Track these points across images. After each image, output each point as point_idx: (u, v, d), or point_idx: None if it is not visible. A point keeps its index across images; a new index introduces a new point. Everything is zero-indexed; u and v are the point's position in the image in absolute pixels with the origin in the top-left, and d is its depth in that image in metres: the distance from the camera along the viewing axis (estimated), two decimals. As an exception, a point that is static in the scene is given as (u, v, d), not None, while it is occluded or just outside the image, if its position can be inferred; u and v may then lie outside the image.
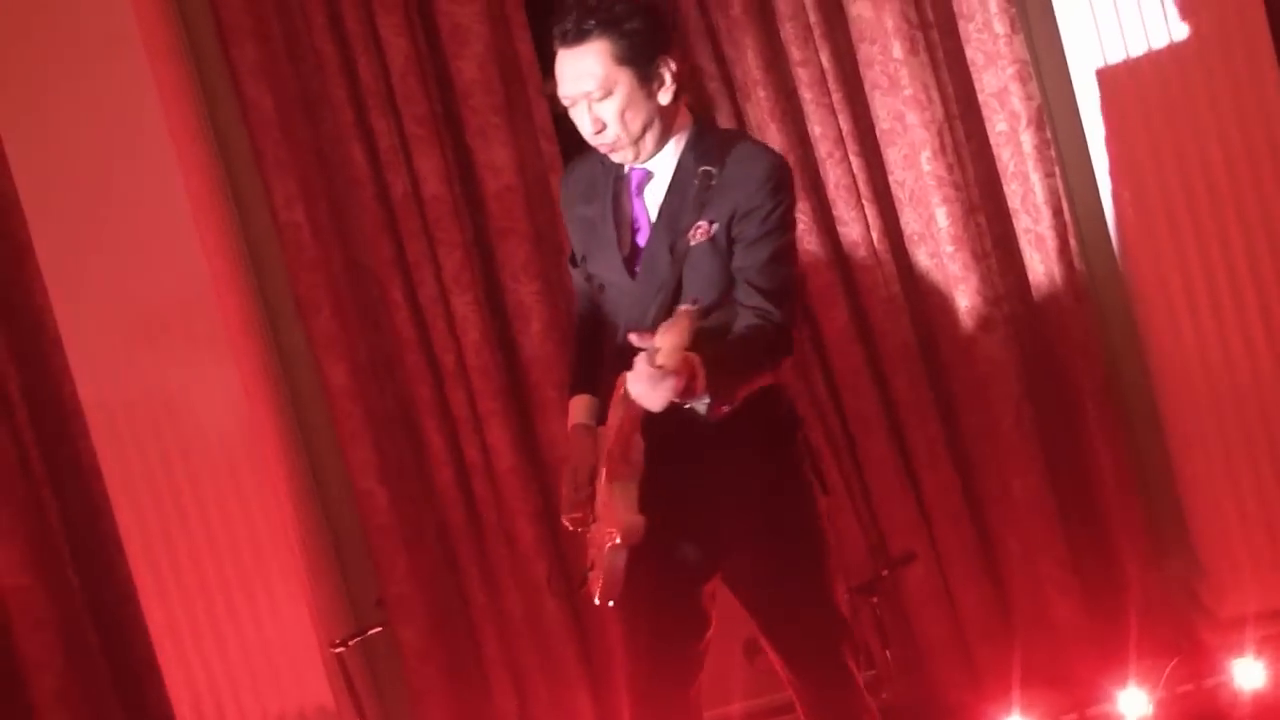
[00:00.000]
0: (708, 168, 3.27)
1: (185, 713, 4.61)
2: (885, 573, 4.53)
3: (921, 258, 4.65)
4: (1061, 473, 4.72)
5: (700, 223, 3.26)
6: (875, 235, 4.65)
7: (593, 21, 3.20)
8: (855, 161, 4.63)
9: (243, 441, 4.57)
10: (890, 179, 4.64)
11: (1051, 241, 4.59)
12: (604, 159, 3.41)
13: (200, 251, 4.54)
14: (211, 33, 4.74)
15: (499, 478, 4.72)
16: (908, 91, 4.55)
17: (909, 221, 4.64)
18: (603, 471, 3.29)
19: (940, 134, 4.57)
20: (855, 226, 4.64)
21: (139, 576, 4.61)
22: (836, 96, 4.61)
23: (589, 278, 3.51)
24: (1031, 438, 4.66)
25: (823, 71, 4.60)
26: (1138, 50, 4.41)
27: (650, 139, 3.31)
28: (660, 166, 3.36)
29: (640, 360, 2.99)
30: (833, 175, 4.63)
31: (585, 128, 3.30)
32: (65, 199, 4.52)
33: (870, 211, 4.64)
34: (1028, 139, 4.57)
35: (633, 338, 3.04)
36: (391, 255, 4.72)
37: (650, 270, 3.33)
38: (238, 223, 4.87)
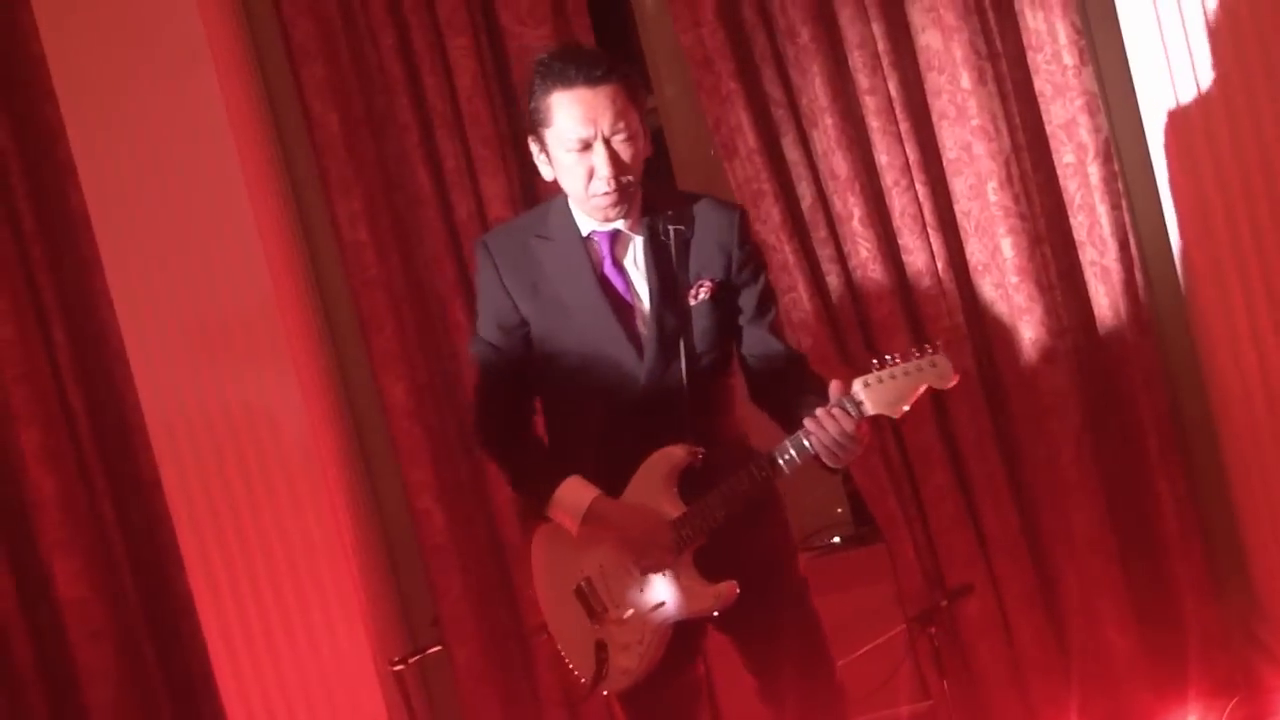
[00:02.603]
0: (678, 227, 3.36)
1: (240, 727, 4.63)
2: (943, 603, 4.50)
3: (986, 288, 4.64)
4: (1121, 507, 4.69)
5: (703, 281, 3.39)
6: (940, 265, 4.63)
7: (604, 66, 3.28)
8: (921, 190, 4.62)
9: (302, 458, 4.59)
10: (956, 209, 4.63)
11: (1117, 274, 4.57)
12: (534, 234, 3.46)
13: (264, 268, 4.57)
14: (281, 52, 4.78)
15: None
16: (975, 121, 4.54)
17: (974, 251, 4.63)
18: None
19: (1007, 164, 4.56)
20: (920, 255, 4.63)
21: (197, 590, 4.64)
22: (904, 125, 4.60)
23: (545, 355, 3.48)
24: (1092, 471, 4.63)
25: (890, 100, 4.60)
26: (1206, 83, 4.38)
27: (635, 194, 3.38)
28: (629, 228, 3.41)
29: (841, 418, 3.20)
30: (898, 204, 4.62)
31: (603, 169, 3.29)
32: (132, 214, 4.57)
33: (935, 241, 4.63)
34: (1095, 171, 4.55)
35: (834, 389, 3.24)
36: (454, 276, 4.74)
37: (660, 336, 3.37)
38: (302, 240, 4.90)
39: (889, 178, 4.62)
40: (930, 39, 4.56)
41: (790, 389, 3.41)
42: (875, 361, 3.27)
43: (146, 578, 4.83)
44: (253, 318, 4.57)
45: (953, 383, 3.27)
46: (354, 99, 4.78)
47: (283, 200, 4.84)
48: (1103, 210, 4.56)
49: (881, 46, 4.58)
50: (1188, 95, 4.38)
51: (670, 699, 3.51)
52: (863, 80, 4.60)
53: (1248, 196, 4.37)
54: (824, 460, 3.28)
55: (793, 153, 4.65)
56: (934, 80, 4.58)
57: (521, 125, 4.65)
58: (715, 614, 3.38)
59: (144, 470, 4.76)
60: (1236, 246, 4.39)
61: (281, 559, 4.62)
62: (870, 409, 3.25)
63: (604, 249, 3.41)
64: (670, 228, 3.36)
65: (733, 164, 4.65)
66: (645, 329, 3.38)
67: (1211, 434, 4.67)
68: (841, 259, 4.66)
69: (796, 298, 4.62)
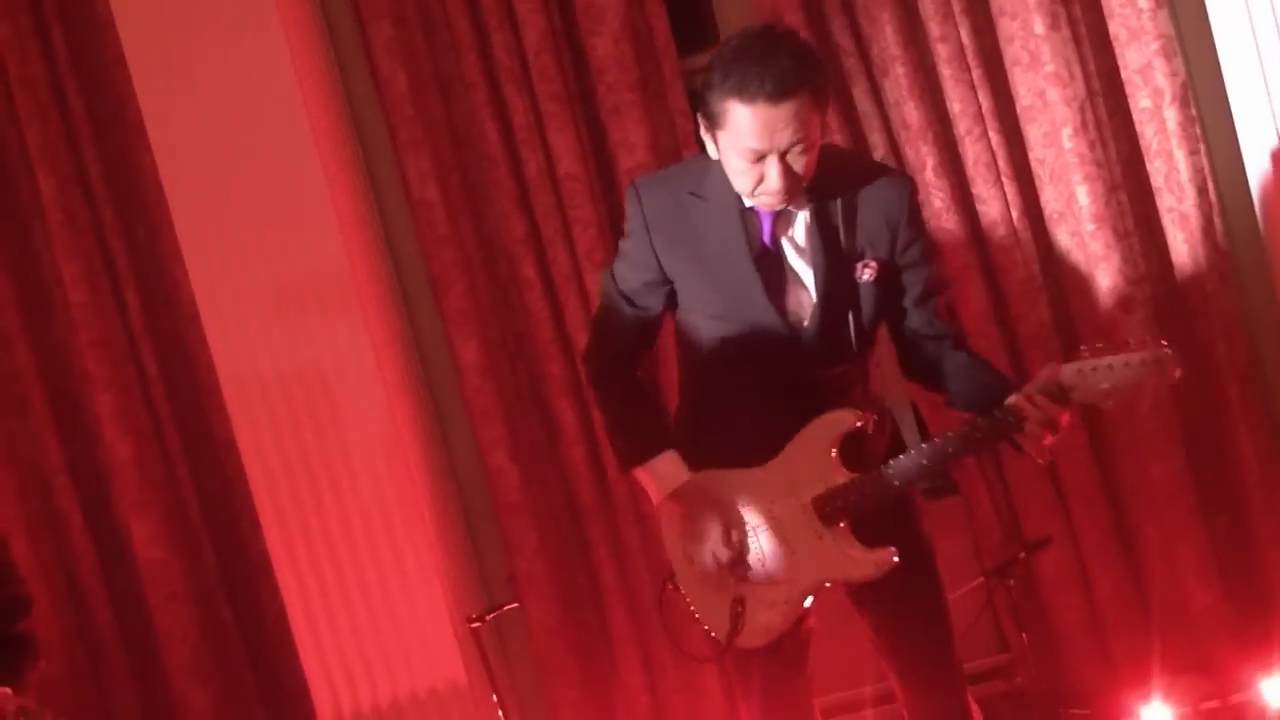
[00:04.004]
0: (846, 200, 3.25)
1: (319, 686, 4.66)
2: (1021, 556, 4.47)
3: (1062, 237, 4.58)
4: (1202, 458, 4.63)
5: (869, 261, 3.28)
6: (1015, 214, 4.58)
7: (801, 72, 3.08)
8: (995, 139, 4.56)
9: (376, 417, 4.60)
10: (1030, 157, 4.57)
11: (1195, 221, 4.50)
12: (689, 190, 3.32)
13: (335, 228, 4.57)
14: (348, 10, 4.77)
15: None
16: (1049, 68, 4.48)
17: (1049, 200, 4.57)
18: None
19: (1082, 111, 4.50)
20: (994, 205, 4.58)
21: (274, 551, 4.66)
22: (976, 73, 4.55)
23: (687, 316, 3.41)
24: (1171, 422, 4.58)
25: (962, 47, 4.54)
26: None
27: None
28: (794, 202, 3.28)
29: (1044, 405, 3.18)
30: (971, 153, 4.57)
31: (774, 183, 3.15)
32: (203, 176, 4.58)
33: (1010, 189, 4.57)
34: (1171, 116, 4.48)
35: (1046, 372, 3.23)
36: (525, 232, 4.73)
37: (824, 314, 3.28)
38: (372, 200, 4.89)
39: (961, 126, 4.57)
40: (1002, -16, 4.50)
41: (969, 371, 3.36)
42: (1084, 348, 3.21)
43: (223, 538, 4.87)
44: (324, 278, 4.57)
45: (1176, 378, 3.18)
46: (422, 57, 4.76)
47: (352, 160, 4.84)
48: (1180, 156, 4.49)
49: (953, -8, 4.53)
50: (1267, 36, 4.31)
51: (801, 678, 3.51)
52: (934, 28, 4.54)
53: (1330, 139, 4.31)
54: (1026, 446, 3.22)
55: (864, 103, 4.61)
56: (1006, 26, 4.52)
57: (589, 83, 4.69)
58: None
59: (218, 431, 4.80)
60: (1318, 190, 4.33)
61: (357, 518, 4.63)
62: (1079, 397, 3.19)
63: (765, 224, 3.28)
64: (838, 203, 3.24)
65: (803, 115, 4.60)
66: (799, 307, 3.30)
67: (1293, 383, 4.61)
68: (915, 209, 4.61)
69: (870, 250, 4.58)
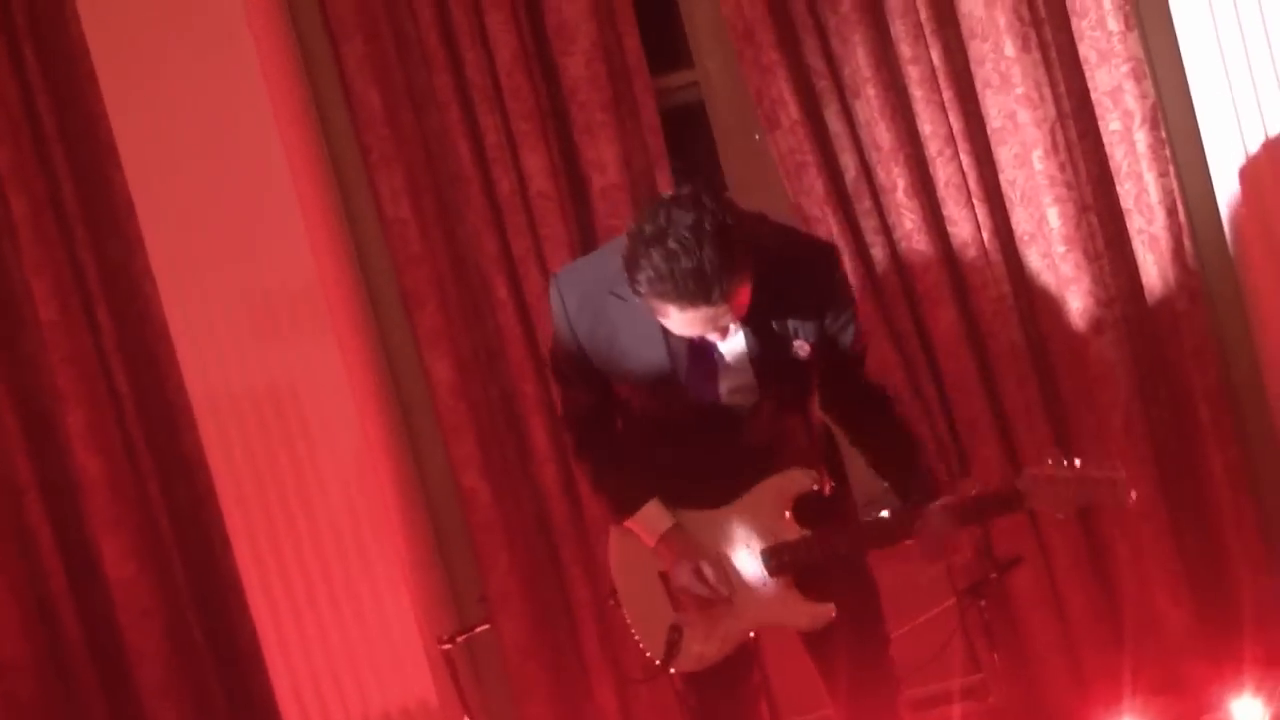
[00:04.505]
0: (772, 280, 3.25)
1: (288, 705, 4.65)
2: (993, 576, 4.47)
3: (1033, 258, 4.60)
4: (1173, 477, 4.65)
5: (802, 342, 3.34)
6: (986, 235, 4.59)
7: (723, 282, 3.11)
8: (966, 160, 4.57)
9: (348, 435, 4.60)
10: (1001, 178, 4.59)
11: (1165, 242, 4.52)
12: (610, 290, 3.33)
13: (307, 246, 4.58)
14: (320, 28, 4.76)
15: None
16: (1020, 90, 4.50)
17: (1020, 221, 4.58)
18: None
19: (1052, 132, 4.51)
20: (965, 226, 4.59)
21: (244, 568, 4.65)
22: (947, 94, 4.56)
23: (633, 391, 3.50)
24: (1143, 441, 4.59)
25: (933, 69, 4.56)
26: (1254, 46, 4.33)
27: None
28: None
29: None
30: (943, 174, 4.58)
31: (712, 339, 3.28)
32: (174, 194, 4.57)
33: (981, 211, 4.59)
34: (1142, 137, 4.50)
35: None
36: (497, 251, 4.73)
37: (766, 392, 3.41)
38: (344, 217, 4.88)
39: (933, 148, 4.58)
40: (973, 6, 4.51)
41: (881, 431, 3.54)
42: (1049, 460, 3.28)
43: (194, 556, 4.84)
44: (296, 296, 4.57)
45: (1131, 502, 3.26)
46: (394, 75, 4.76)
47: (324, 178, 4.83)
48: (1150, 178, 4.51)
49: (924, 15, 4.53)
50: (1235, 59, 4.34)
51: (740, 694, 3.64)
52: (905, 49, 4.55)
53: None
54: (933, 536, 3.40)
55: (836, 124, 4.61)
56: (977, 48, 4.54)
57: (561, 102, 4.70)
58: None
59: (189, 450, 4.77)
60: (1287, 211, 4.36)
61: (328, 537, 4.62)
62: (1031, 504, 3.30)
63: None
64: (764, 288, 3.23)
65: (775, 136, 4.61)
66: (735, 390, 3.40)
67: (1263, 402, 4.62)
68: (886, 230, 4.63)
69: (841, 270, 4.59)
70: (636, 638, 3.59)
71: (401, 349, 4.88)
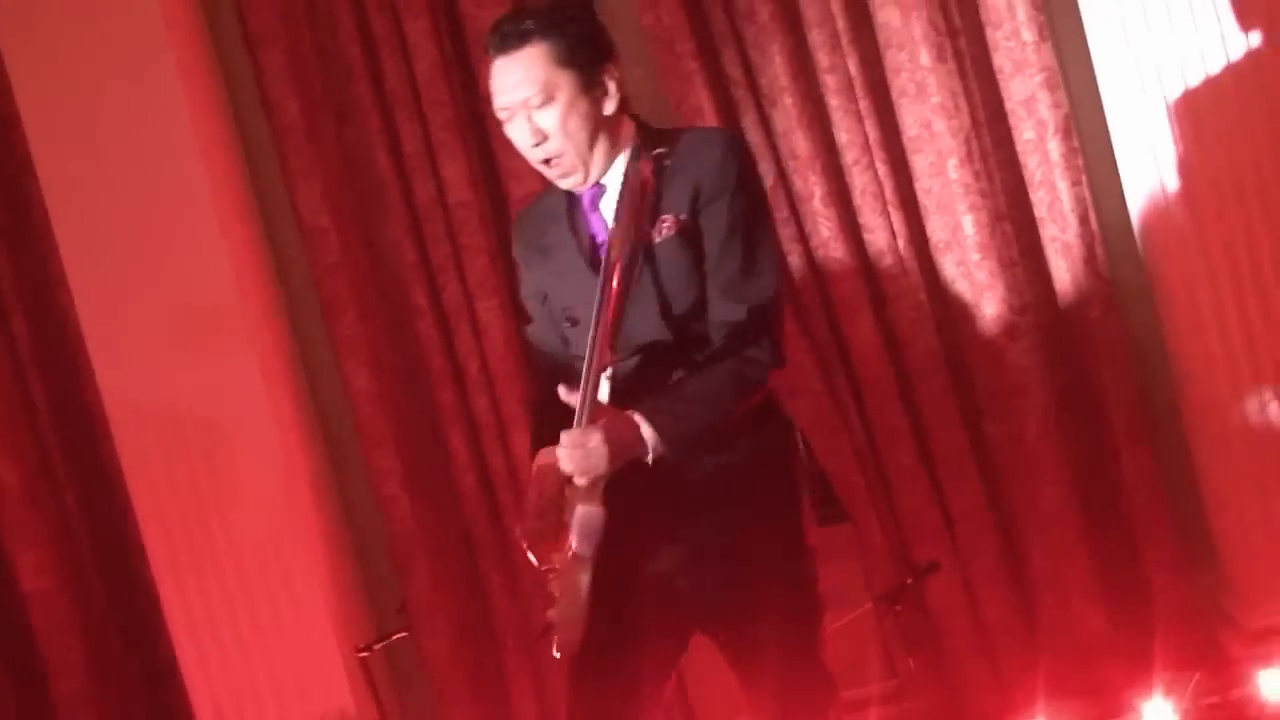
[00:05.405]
0: (659, 150, 3.02)
1: (207, 716, 4.62)
2: (910, 581, 4.50)
3: (948, 266, 4.63)
4: (1088, 482, 4.69)
5: (665, 216, 3.05)
6: (901, 243, 4.62)
7: (532, 23, 3.04)
8: (882, 169, 4.61)
9: (266, 446, 4.58)
10: (917, 186, 4.62)
11: (1078, 250, 4.57)
12: (552, 196, 3.23)
13: (225, 255, 4.56)
14: (239, 37, 4.75)
15: (523, 485, 4.70)
16: (935, 99, 4.54)
17: (935, 229, 4.62)
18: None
19: (967, 141, 4.55)
20: (881, 234, 4.62)
21: (162, 580, 4.62)
22: (864, 103, 4.59)
23: (561, 319, 3.22)
24: (1058, 447, 4.63)
25: (850, 78, 4.59)
26: (1163, 56, 4.39)
27: (599, 154, 3.11)
28: (613, 179, 3.14)
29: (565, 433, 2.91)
30: (859, 182, 4.61)
31: (524, 141, 3.09)
32: (91, 204, 4.55)
33: (897, 219, 4.62)
34: (1055, 147, 4.54)
35: (561, 391, 2.94)
36: (416, 260, 4.73)
37: (626, 283, 3.01)
38: (262, 227, 4.87)
39: (849, 156, 4.61)
40: (889, 16, 4.54)
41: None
42: None
43: (112, 569, 4.82)
44: (214, 305, 4.55)
45: None
46: (314, 84, 4.75)
47: (243, 187, 4.82)
48: (1063, 186, 4.55)
49: (840, 24, 4.56)
50: (1146, 69, 4.39)
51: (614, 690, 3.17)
52: (822, 59, 4.59)
53: (1206, 169, 4.39)
54: None
55: (753, 133, 4.63)
56: (893, 58, 4.57)
57: (480, 111, 4.70)
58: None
59: (107, 461, 4.75)
60: (1196, 220, 4.42)
61: (247, 547, 4.60)
62: None
63: (586, 199, 3.17)
64: (647, 162, 2.98)
65: (694, 144, 4.63)
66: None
67: (1175, 407, 4.67)
68: (803, 238, 4.65)
69: (759, 277, 4.61)
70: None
71: (321, 358, 4.88)
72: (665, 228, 3.05)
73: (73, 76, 4.51)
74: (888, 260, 4.63)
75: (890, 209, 4.62)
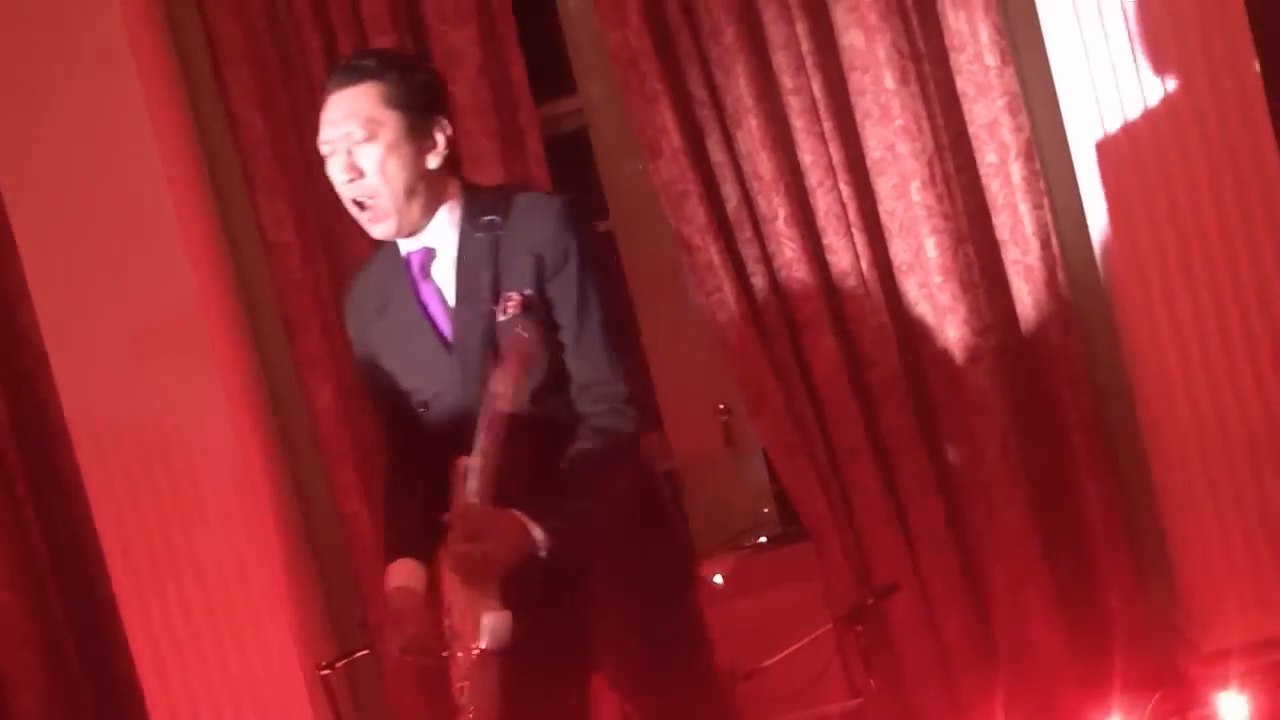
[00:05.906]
0: (491, 217, 2.99)
1: (166, 731, 4.60)
2: (870, 602, 4.52)
3: (910, 288, 4.66)
4: (1047, 504, 4.71)
5: (510, 294, 2.98)
6: (864, 265, 4.65)
7: (372, 62, 3.04)
8: (845, 191, 4.63)
9: (228, 462, 4.57)
10: (880, 209, 4.64)
11: (1040, 273, 4.60)
12: (382, 264, 3.16)
13: (188, 271, 4.55)
14: (205, 54, 4.75)
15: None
16: (899, 122, 4.56)
17: (898, 251, 4.64)
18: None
19: (930, 164, 4.58)
20: (844, 256, 4.64)
21: (122, 596, 4.60)
22: (828, 126, 4.61)
23: (409, 398, 3.13)
24: (1018, 469, 4.66)
25: (814, 100, 4.61)
26: (1125, 82, 4.42)
27: (415, 206, 3.04)
28: (439, 240, 3.07)
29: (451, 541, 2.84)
30: (823, 204, 4.63)
31: (340, 177, 3.03)
32: (53, 217, 4.54)
33: (860, 241, 4.64)
34: (1017, 170, 4.58)
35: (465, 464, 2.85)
36: (380, 277, 4.71)
37: (464, 358, 3.01)
38: (226, 243, 4.87)
39: (813, 178, 4.63)
40: (854, 39, 4.57)
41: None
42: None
43: (71, 583, 4.81)
44: (177, 320, 4.54)
45: None
46: (279, 100, 4.75)
47: (207, 203, 4.81)
48: (1025, 209, 4.58)
49: (805, 47, 4.59)
50: (1108, 94, 4.42)
51: None
52: (787, 80, 4.61)
53: (1167, 194, 4.42)
54: None
55: (717, 153, 4.65)
56: (857, 80, 4.60)
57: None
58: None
59: (67, 474, 4.73)
60: (1157, 243, 4.44)
61: (207, 562, 4.59)
62: None
63: (415, 266, 3.09)
64: (481, 227, 2.98)
65: (657, 164, 4.64)
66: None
67: (1135, 429, 4.70)
68: (766, 259, 4.67)
69: (722, 298, 4.63)
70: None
71: (283, 375, 4.88)
72: (510, 306, 2.98)
73: (35, 91, 4.50)
74: (851, 282, 4.65)
75: (854, 231, 4.64)
